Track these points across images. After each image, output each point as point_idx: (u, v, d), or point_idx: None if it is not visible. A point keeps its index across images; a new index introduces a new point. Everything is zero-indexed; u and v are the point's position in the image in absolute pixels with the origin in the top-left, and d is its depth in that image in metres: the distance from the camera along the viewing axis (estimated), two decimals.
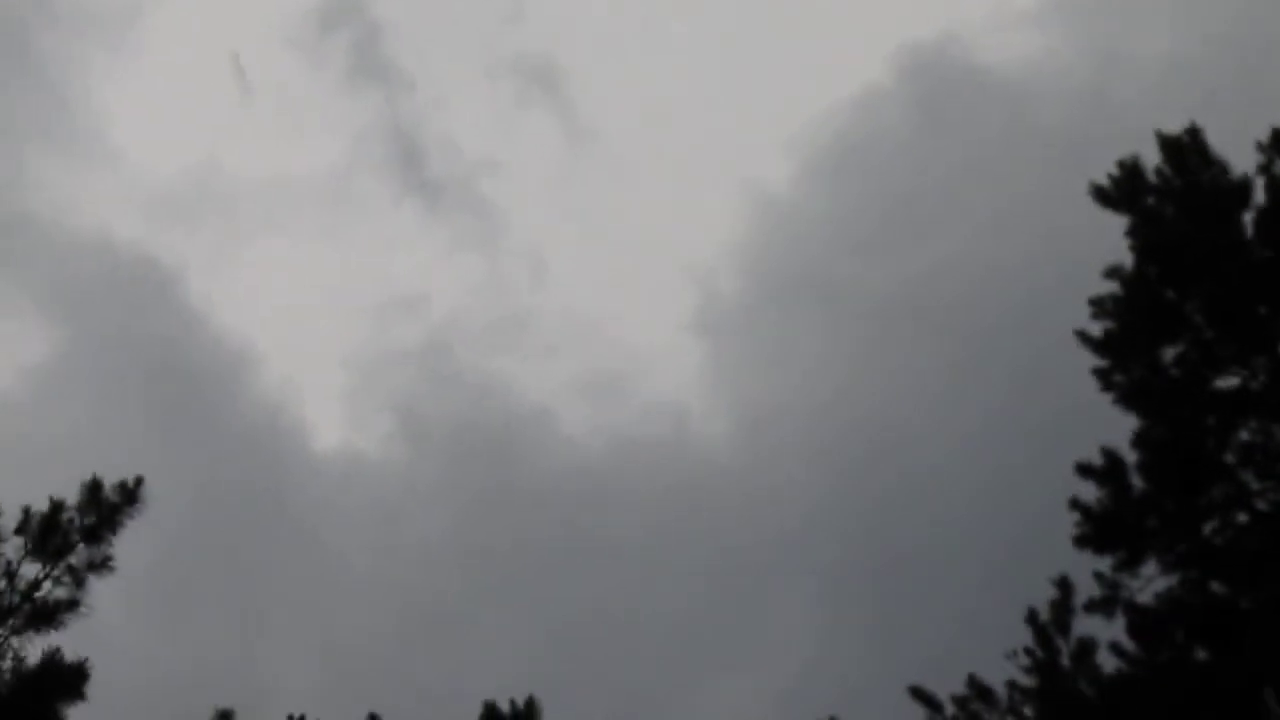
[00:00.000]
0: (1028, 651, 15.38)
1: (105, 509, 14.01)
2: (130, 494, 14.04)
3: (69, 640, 12.68)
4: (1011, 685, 15.18)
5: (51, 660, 12.54)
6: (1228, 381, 14.12)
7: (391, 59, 68.53)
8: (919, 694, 15.38)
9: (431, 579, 43.54)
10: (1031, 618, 15.34)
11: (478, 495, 47.49)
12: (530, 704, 14.37)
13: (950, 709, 15.19)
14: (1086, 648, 15.01)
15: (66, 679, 12.61)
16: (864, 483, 41.26)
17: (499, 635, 39.93)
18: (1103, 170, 14.68)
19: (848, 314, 50.31)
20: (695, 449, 49.70)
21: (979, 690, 15.22)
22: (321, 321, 69.16)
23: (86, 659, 12.74)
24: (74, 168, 66.29)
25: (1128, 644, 14.12)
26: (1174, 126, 14.18)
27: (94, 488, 14.15)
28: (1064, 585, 15.31)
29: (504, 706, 14.27)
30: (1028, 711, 15.09)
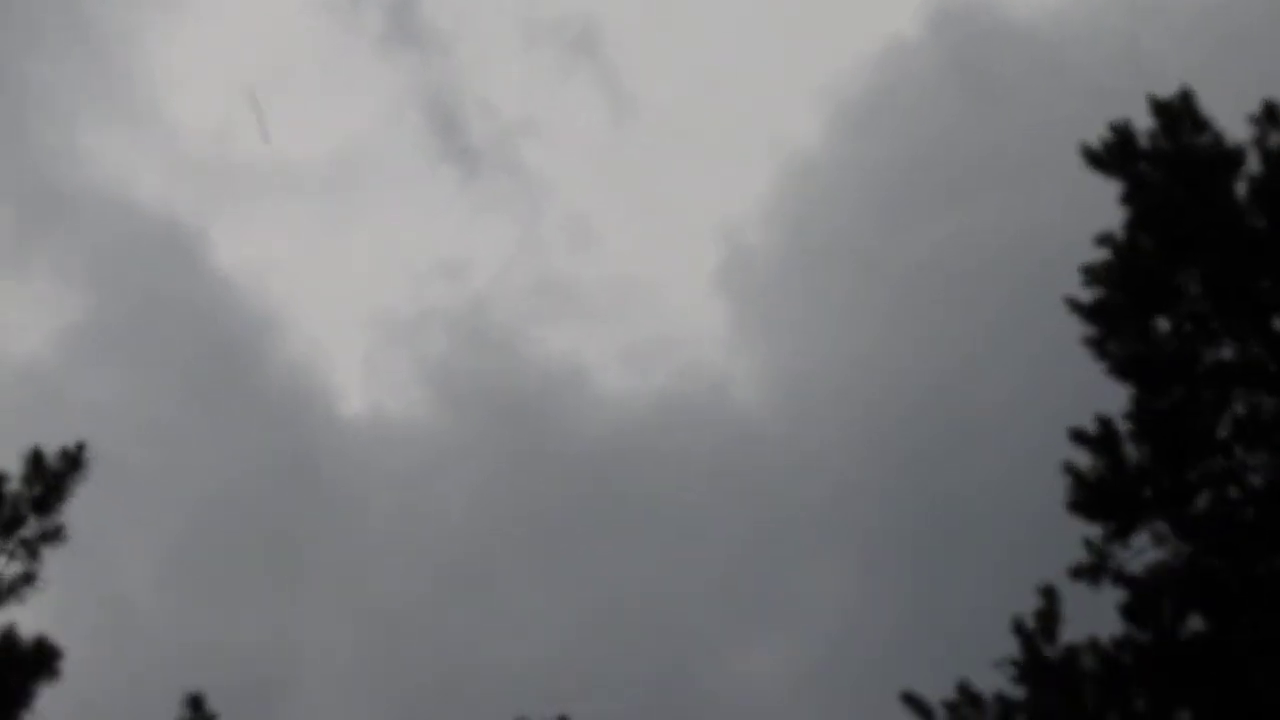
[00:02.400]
0: (1014, 663, 14.98)
1: (51, 478, 13.63)
2: (74, 460, 13.74)
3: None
4: (1000, 698, 14.79)
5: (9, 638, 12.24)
6: (1222, 354, 13.86)
7: (428, 22, 67.59)
8: (910, 700, 14.96)
9: (464, 544, 42.91)
10: (1018, 628, 14.94)
11: (511, 460, 46.77)
12: None
13: (941, 715, 14.79)
14: (1075, 654, 14.62)
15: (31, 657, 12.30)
16: (903, 442, 40.80)
17: (534, 599, 39.57)
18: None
19: (881, 273, 49.70)
20: (731, 411, 49.11)
21: (969, 697, 14.81)
22: (354, 286, 68.13)
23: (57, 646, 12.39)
24: (99, 127, 64.95)
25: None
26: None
27: (35, 458, 13.80)
28: (1049, 594, 14.96)
29: None
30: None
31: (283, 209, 66.17)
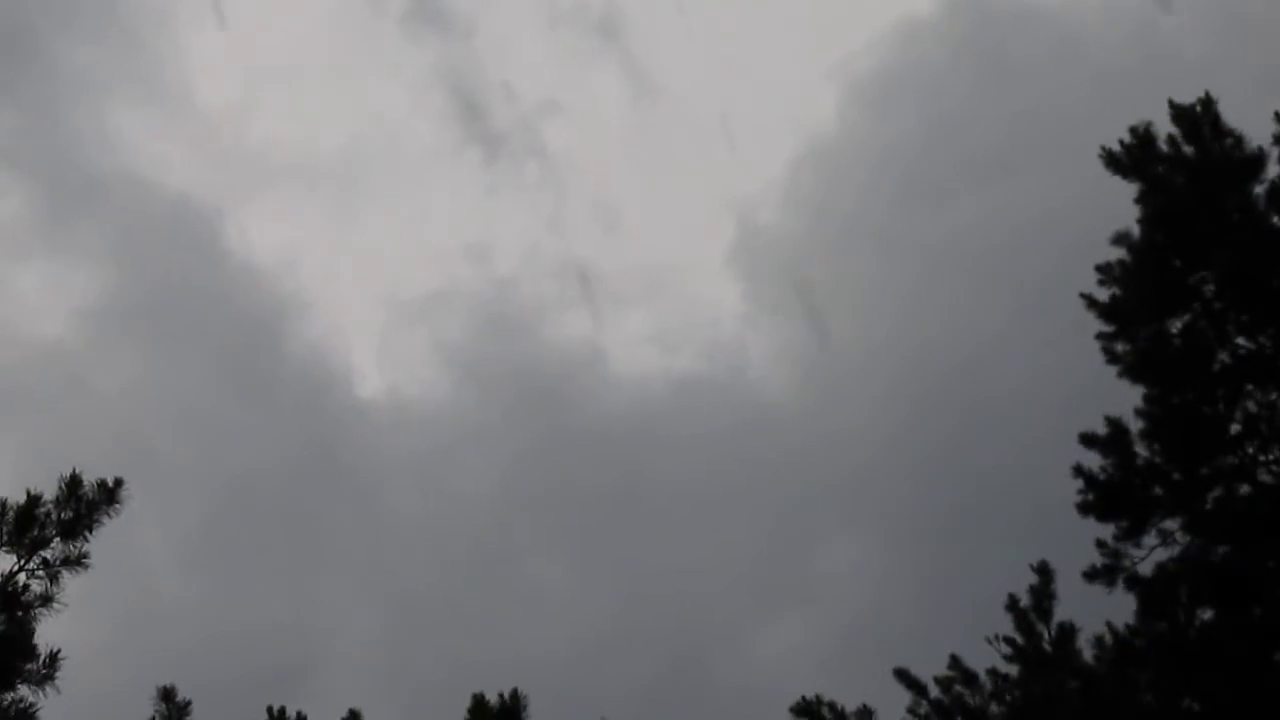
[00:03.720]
0: (1007, 640, 15.41)
1: (83, 506, 13.57)
2: (110, 493, 13.63)
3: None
4: (993, 673, 15.25)
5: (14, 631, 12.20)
6: (1235, 352, 14.08)
7: (451, 5, 65.64)
8: (903, 676, 15.47)
9: (488, 526, 42.97)
10: (1012, 604, 15.33)
11: (532, 443, 46.68)
12: (514, 696, 14.55)
13: (934, 691, 15.32)
14: (1067, 633, 15.06)
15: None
16: (925, 421, 40.84)
17: (555, 582, 39.71)
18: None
19: (901, 251, 49.28)
20: (752, 392, 49.08)
21: (962, 673, 15.31)
22: (375, 269, 67.63)
23: (59, 650, 12.45)
24: (127, 109, 63.53)
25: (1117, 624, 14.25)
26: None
27: (73, 483, 13.69)
28: (1044, 571, 15.32)
29: (493, 700, 14.45)
30: (1009, 697, 15.17)
31: (305, 192, 65.26)
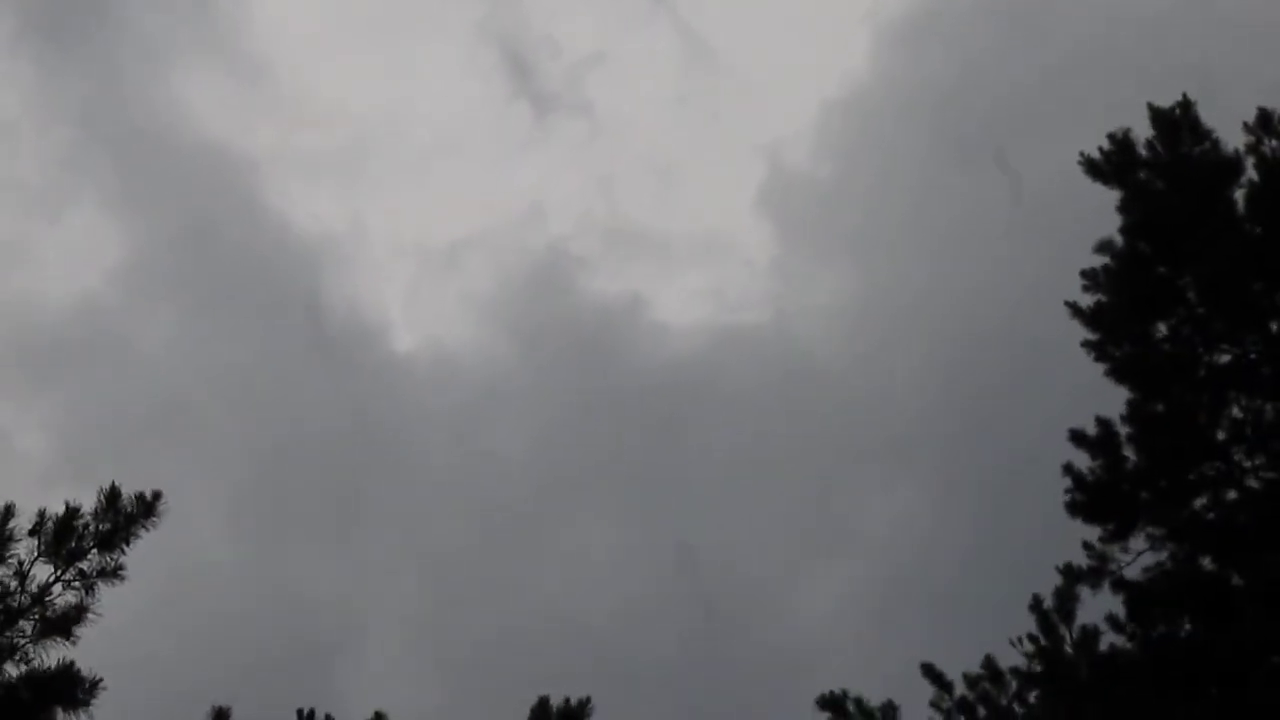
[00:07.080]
0: (1031, 639, 15.48)
1: (121, 519, 14.13)
2: (148, 507, 14.02)
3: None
4: (1015, 671, 15.35)
5: (65, 669, 12.70)
6: (1220, 358, 14.09)
7: None
8: (929, 672, 15.59)
9: (527, 486, 42.92)
10: (1035, 605, 15.39)
11: (573, 399, 46.83)
12: (583, 704, 14.61)
13: (960, 688, 15.44)
14: (1090, 635, 15.10)
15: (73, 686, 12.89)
16: (971, 372, 40.20)
17: (596, 540, 39.57)
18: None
19: (939, 200, 48.46)
20: (794, 344, 48.89)
21: (992, 672, 15.40)
22: (417, 226, 69.01)
23: (100, 679, 13.03)
24: (185, 71, 65.68)
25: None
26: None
27: (112, 496, 14.28)
28: (1069, 572, 15.33)
29: (557, 702, 14.59)
30: (1033, 698, 15.24)
31: (350, 150, 65.89)
